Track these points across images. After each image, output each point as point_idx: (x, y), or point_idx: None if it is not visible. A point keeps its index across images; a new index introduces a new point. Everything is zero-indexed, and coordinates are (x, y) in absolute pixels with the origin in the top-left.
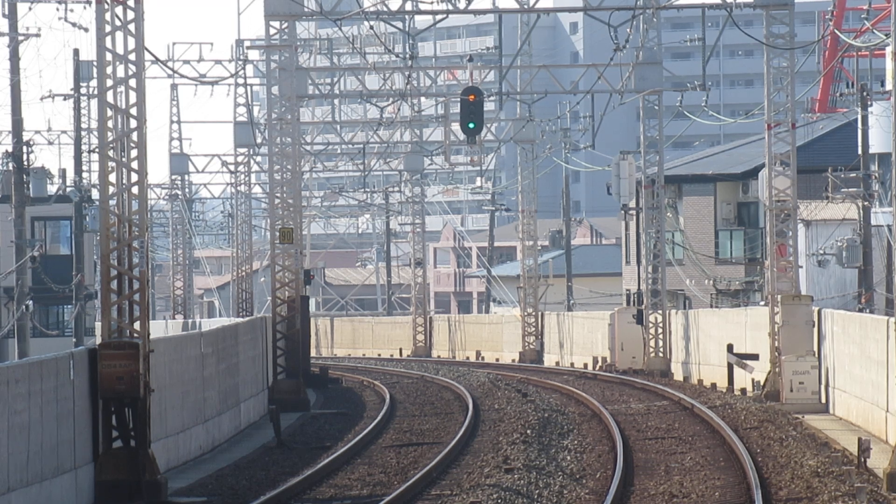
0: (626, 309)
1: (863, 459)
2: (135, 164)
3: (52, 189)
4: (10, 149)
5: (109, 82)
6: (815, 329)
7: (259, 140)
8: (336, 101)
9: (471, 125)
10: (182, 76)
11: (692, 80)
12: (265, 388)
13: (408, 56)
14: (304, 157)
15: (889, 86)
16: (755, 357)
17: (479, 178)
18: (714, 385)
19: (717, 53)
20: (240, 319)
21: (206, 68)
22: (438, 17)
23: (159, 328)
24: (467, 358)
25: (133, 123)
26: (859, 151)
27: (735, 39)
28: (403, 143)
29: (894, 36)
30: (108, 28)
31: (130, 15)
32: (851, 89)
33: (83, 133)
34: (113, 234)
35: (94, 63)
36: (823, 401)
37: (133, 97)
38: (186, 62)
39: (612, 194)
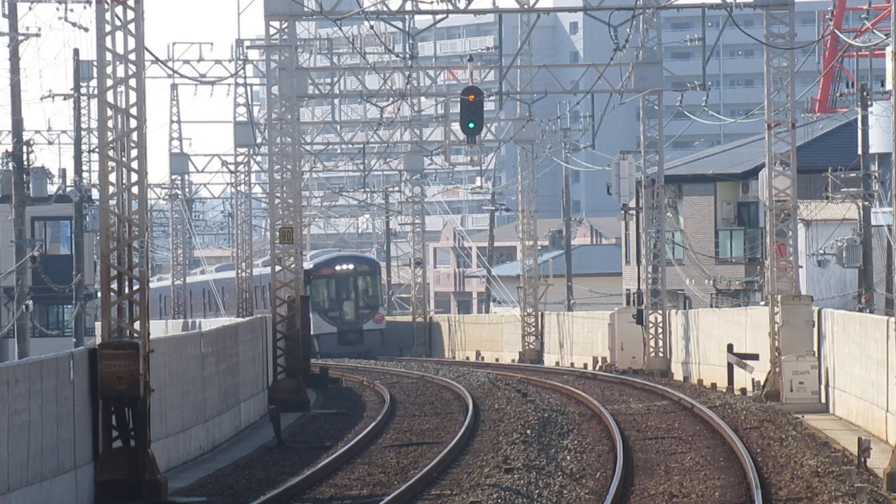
0: (626, 309)
1: (863, 459)
2: (135, 164)
3: (52, 189)
4: (10, 149)
5: (109, 82)
6: (815, 329)
7: (259, 140)
8: (336, 101)
9: (471, 125)
10: (182, 76)
11: (692, 79)
12: (265, 387)
13: (408, 56)
14: (304, 156)
15: (889, 86)
16: (755, 357)
17: (479, 178)
18: (714, 385)
19: (717, 53)
20: (240, 319)
21: (206, 68)
22: (438, 16)
23: (159, 328)
24: (467, 358)
25: (133, 123)
26: (859, 151)
27: (735, 39)
28: (403, 143)
29: (894, 36)
30: (108, 28)
31: (130, 15)
32: (851, 89)
33: (83, 133)
34: (113, 233)
35: (94, 63)
36: (823, 401)
37: (133, 97)
38: (186, 62)
39: (612, 194)
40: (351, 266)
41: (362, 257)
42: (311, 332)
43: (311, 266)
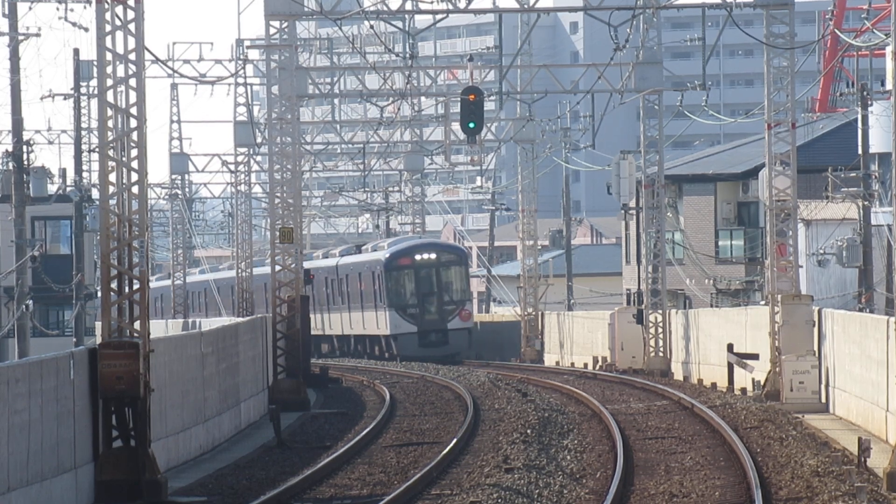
0: (626, 309)
1: (863, 459)
2: (135, 164)
3: (52, 189)
4: (10, 148)
5: (109, 82)
6: (816, 329)
7: (259, 140)
8: (336, 101)
9: (471, 125)
10: (182, 76)
11: (692, 79)
12: (265, 387)
13: (408, 56)
14: (304, 156)
15: (889, 85)
16: (755, 357)
17: (479, 178)
18: (714, 385)
19: (717, 53)
20: (240, 319)
21: (206, 68)
22: (438, 16)
23: (159, 328)
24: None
25: (133, 123)
26: (859, 151)
27: (735, 39)
28: (403, 142)
29: (894, 36)
30: (108, 28)
31: (130, 14)
32: (851, 89)
33: (83, 133)
34: (113, 233)
35: (94, 63)
36: (823, 400)
37: (133, 97)
38: (186, 62)
39: (613, 194)
40: (433, 255)
41: (447, 245)
42: (389, 333)
43: (388, 255)
